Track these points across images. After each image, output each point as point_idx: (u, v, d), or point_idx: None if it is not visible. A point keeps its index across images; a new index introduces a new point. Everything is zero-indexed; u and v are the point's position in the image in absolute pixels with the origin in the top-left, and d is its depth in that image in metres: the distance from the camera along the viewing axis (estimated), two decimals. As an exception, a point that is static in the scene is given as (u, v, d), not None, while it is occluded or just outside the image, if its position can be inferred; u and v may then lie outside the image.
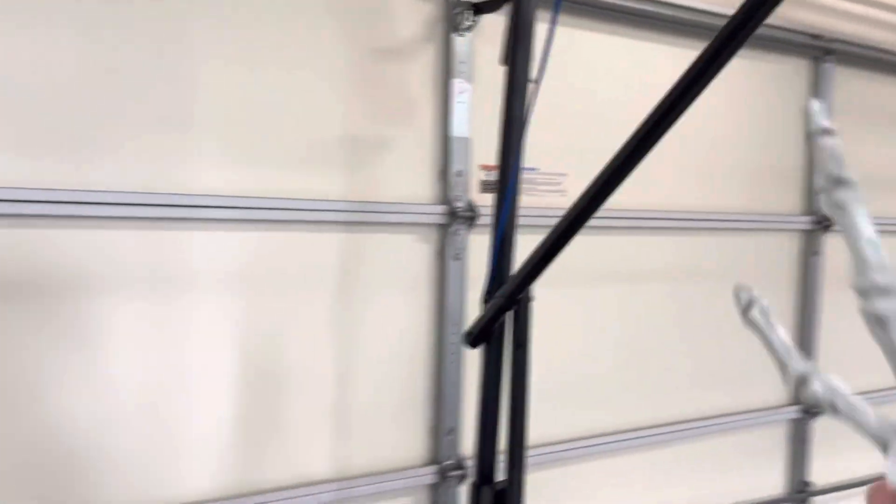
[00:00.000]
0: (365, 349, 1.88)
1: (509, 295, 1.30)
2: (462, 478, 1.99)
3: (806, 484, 2.77)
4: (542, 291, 1.41)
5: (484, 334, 1.41)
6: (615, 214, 2.22)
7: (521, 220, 2.06)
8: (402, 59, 1.89)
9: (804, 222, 2.67)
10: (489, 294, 1.41)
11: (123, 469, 1.61)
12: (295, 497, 1.77)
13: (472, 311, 1.97)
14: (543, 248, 1.15)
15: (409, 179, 1.91)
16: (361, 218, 1.83)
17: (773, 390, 2.71)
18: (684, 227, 2.44)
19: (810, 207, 2.69)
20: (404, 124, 1.90)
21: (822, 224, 2.66)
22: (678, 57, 2.34)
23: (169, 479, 1.66)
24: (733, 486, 2.66)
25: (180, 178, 1.63)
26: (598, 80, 2.21)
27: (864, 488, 0.59)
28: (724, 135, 2.49)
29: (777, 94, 2.61)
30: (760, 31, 0.82)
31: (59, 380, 1.53)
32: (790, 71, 2.63)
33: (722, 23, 0.82)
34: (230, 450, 1.73)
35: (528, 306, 1.35)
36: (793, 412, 2.72)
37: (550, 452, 2.18)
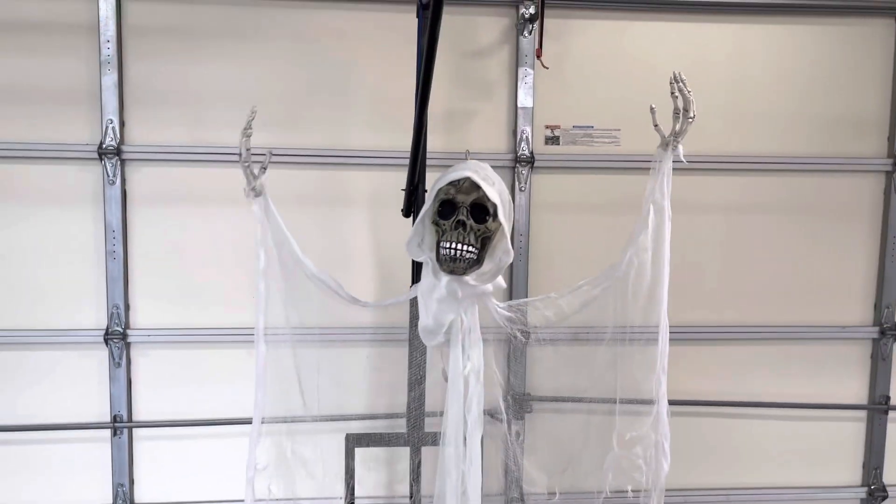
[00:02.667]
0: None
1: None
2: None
3: (887, 398, 3.09)
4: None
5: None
6: (725, 159, 2.94)
7: (580, 164, 2.94)
8: (486, 56, 2.86)
9: (887, 164, 2.98)
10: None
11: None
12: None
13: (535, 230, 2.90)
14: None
15: (490, 137, 2.89)
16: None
17: (860, 311, 3.09)
18: (785, 169, 3.01)
19: (892, 151, 2.99)
20: (488, 100, 2.88)
21: (904, 164, 2.95)
22: (723, 34, 2.93)
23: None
24: (819, 391, 3.13)
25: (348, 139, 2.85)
26: (652, 55, 2.89)
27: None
28: (815, 88, 2.98)
29: (862, 51, 2.96)
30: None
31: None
32: (871, 31, 2.95)
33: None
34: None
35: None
36: (875, 332, 3.07)
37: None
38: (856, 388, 3.14)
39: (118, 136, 2.73)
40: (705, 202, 2.99)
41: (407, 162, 2.12)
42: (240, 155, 1.80)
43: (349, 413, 2.74)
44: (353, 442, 2.15)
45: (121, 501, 2.87)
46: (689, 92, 1.72)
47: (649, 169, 2.85)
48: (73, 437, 2.86)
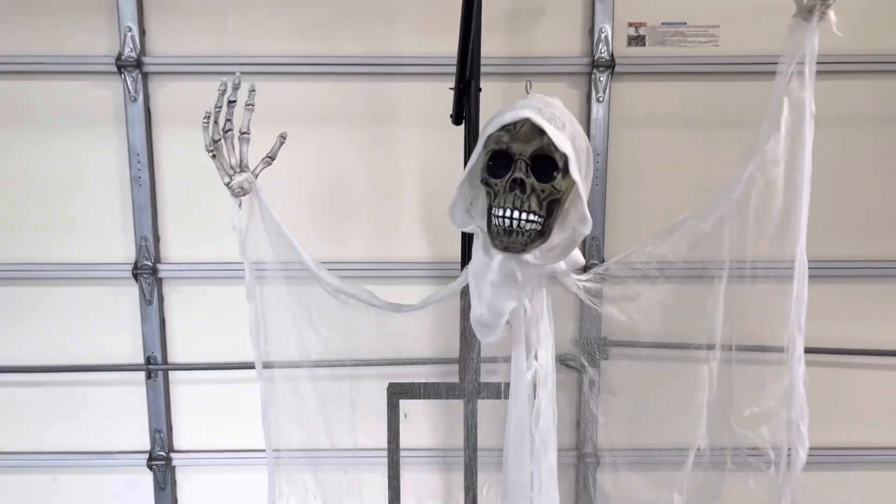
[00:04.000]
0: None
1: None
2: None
3: None
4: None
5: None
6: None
7: (670, 68, 2.51)
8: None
9: None
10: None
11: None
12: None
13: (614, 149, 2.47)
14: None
15: (562, 37, 2.46)
16: (521, 70, 2.45)
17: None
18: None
19: None
20: (559, -7, 2.43)
21: None
22: None
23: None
24: None
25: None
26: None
27: None
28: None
29: None
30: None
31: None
32: None
33: None
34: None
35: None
36: None
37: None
38: None
39: (138, 46, 2.42)
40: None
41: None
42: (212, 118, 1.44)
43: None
44: (398, 393, 1.83)
45: (158, 447, 2.67)
46: None
47: (755, 73, 2.41)
48: (106, 379, 2.65)
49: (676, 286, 1.56)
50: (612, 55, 2.42)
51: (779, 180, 1.36)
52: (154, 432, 2.67)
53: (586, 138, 1.40)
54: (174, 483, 2.73)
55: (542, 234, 1.31)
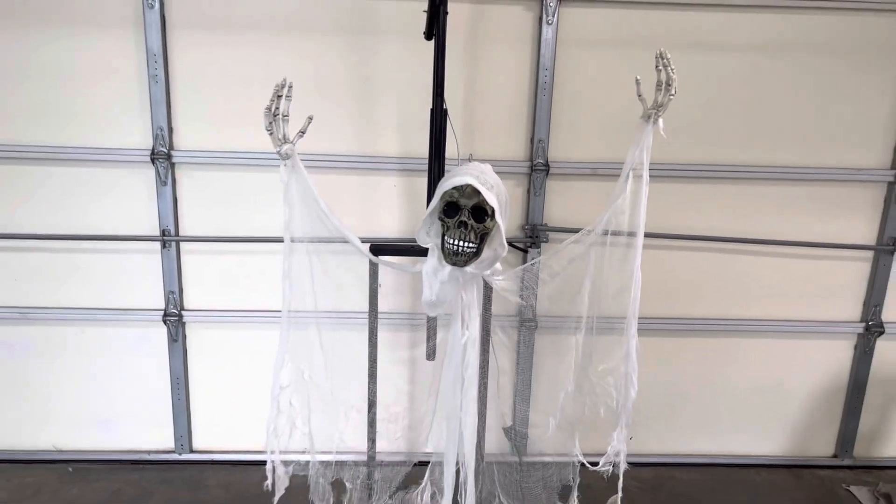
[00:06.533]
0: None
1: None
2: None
3: (894, 240, 3.20)
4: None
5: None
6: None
7: None
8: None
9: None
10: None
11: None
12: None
13: (560, 65, 2.95)
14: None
15: (520, -33, 2.90)
16: (484, -6, 2.89)
17: (877, 154, 3.15)
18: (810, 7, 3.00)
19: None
20: None
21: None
22: None
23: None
24: (827, 231, 3.25)
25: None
26: None
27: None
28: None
29: None
30: None
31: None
32: None
33: None
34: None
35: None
36: (891, 175, 3.14)
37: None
38: (863, 230, 3.25)
39: (155, -37, 2.82)
40: (726, 41, 3.01)
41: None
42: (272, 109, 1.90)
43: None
44: (377, 251, 2.35)
45: (172, 306, 3.20)
46: (672, 69, 1.85)
47: (677, 4, 2.91)
48: (127, 248, 3.15)
49: (559, 285, 2.25)
50: (561, -16, 2.88)
51: (624, 222, 2.05)
52: (168, 293, 3.19)
53: (505, 191, 2.03)
54: (184, 336, 3.27)
55: (476, 254, 1.95)
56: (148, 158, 3.01)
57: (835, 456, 3.54)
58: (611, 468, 2.30)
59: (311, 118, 1.96)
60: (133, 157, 3.03)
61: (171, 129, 3.01)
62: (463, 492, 2.22)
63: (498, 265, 2.10)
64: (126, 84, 2.97)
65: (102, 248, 3.14)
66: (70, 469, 3.29)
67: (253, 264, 3.18)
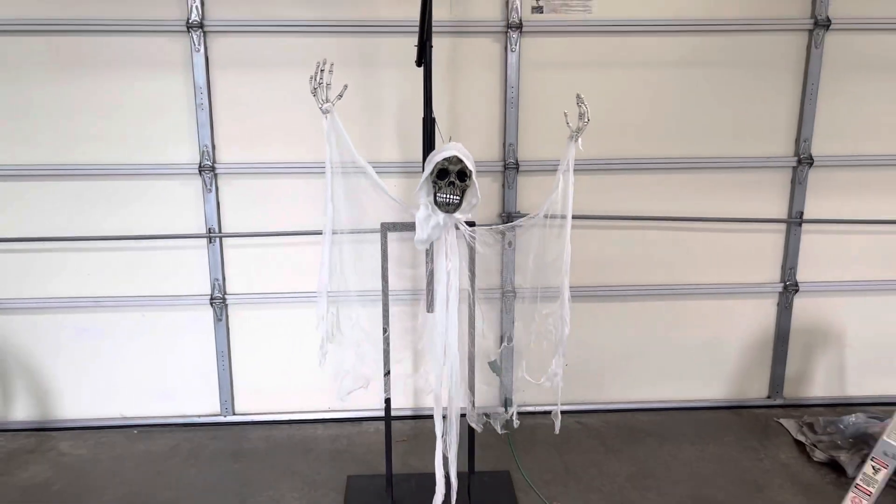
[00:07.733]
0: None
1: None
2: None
3: (801, 214, 3.96)
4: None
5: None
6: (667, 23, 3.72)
7: (560, 29, 3.69)
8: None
9: (808, 24, 3.72)
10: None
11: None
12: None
13: (524, 84, 3.70)
14: None
15: (487, 7, 3.66)
16: (460, 29, 3.64)
17: (782, 145, 3.92)
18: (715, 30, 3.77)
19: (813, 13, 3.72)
20: None
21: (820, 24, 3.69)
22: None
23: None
24: (748, 208, 4.00)
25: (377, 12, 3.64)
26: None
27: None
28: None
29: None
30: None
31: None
32: None
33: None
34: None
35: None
36: (794, 161, 3.90)
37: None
38: (776, 207, 4.00)
39: (200, 12, 3.56)
40: (659, 59, 3.78)
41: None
42: (315, 79, 2.63)
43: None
44: (387, 227, 3.06)
45: (217, 291, 3.90)
46: (586, 106, 2.61)
47: (617, 31, 3.68)
48: (179, 244, 3.85)
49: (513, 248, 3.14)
50: (520, 20, 3.64)
51: (557, 212, 2.73)
52: (213, 281, 3.89)
53: (473, 161, 2.70)
54: (227, 316, 3.97)
55: (459, 204, 2.69)
56: (196, 171, 3.73)
57: (768, 397, 4.25)
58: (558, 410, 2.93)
59: (346, 86, 2.66)
60: (184, 171, 3.75)
61: (214, 147, 3.74)
62: (451, 382, 2.85)
63: (470, 215, 2.75)
64: (178, 113, 3.70)
65: (159, 245, 3.84)
66: (136, 431, 3.97)
67: (284, 255, 3.89)
